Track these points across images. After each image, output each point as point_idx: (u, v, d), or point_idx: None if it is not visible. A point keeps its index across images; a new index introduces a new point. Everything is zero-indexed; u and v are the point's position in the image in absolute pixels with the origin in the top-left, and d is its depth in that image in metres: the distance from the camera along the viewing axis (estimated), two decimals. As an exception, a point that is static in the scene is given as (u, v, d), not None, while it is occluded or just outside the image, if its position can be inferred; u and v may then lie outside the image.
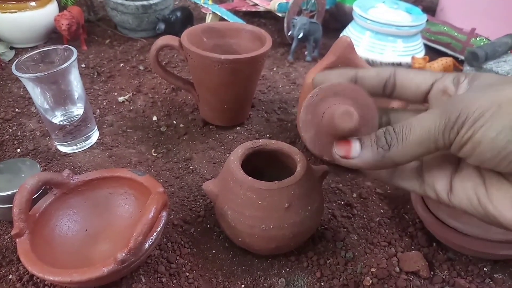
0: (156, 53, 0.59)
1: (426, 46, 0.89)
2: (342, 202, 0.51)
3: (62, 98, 0.55)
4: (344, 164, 0.29)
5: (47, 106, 0.55)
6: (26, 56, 0.53)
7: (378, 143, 0.27)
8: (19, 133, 0.61)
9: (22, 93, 0.70)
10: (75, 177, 0.44)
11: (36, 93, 0.53)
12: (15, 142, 0.59)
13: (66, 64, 0.51)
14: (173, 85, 0.71)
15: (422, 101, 0.30)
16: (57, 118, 0.56)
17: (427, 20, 0.84)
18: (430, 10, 1.07)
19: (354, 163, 0.28)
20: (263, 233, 0.38)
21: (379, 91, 0.31)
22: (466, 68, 0.74)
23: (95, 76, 0.76)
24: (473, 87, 0.26)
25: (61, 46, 0.55)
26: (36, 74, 0.50)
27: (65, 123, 0.56)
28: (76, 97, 0.56)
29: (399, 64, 0.79)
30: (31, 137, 0.60)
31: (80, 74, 0.56)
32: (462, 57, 0.88)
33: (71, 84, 0.55)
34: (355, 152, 0.28)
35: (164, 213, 0.39)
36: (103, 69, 0.78)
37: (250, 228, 0.39)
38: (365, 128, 0.29)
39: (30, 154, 0.57)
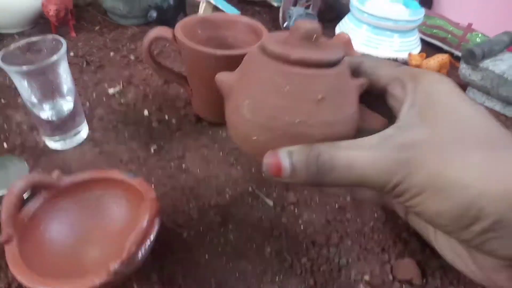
0: (149, 46, 0.56)
1: (422, 40, 0.88)
2: (336, 206, 0.51)
3: (50, 92, 0.53)
4: (275, 180, 0.28)
5: (34, 100, 0.53)
6: (12, 47, 0.51)
7: (310, 169, 0.26)
8: (5, 126, 0.59)
9: (8, 82, 0.67)
10: (65, 178, 0.43)
11: (23, 86, 0.51)
12: (1, 136, 0.57)
13: (55, 58, 0.49)
14: (166, 79, 0.69)
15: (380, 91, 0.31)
16: (45, 112, 0.54)
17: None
18: (427, 2, 1.05)
19: (286, 181, 0.27)
20: (287, 128, 0.28)
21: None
22: (463, 65, 0.74)
23: (84, 66, 0.74)
24: (409, 118, 0.26)
25: (49, 36, 0.53)
26: (24, 67, 0.48)
27: (53, 118, 0.54)
28: (65, 90, 0.54)
29: (395, 60, 0.78)
30: (18, 130, 0.58)
31: (68, 63, 0.53)
32: (458, 53, 0.87)
33: (60, 77, 0.53)
34: (285, 173, 0.27)
35: (157, 220, 0.39)
36: (92, 58, 0.76)
37: (272, 120, 0.28)
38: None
39: (17, 149, 0.55)
